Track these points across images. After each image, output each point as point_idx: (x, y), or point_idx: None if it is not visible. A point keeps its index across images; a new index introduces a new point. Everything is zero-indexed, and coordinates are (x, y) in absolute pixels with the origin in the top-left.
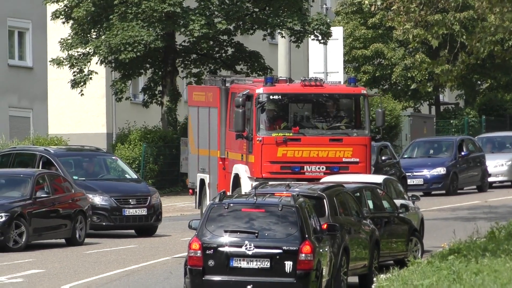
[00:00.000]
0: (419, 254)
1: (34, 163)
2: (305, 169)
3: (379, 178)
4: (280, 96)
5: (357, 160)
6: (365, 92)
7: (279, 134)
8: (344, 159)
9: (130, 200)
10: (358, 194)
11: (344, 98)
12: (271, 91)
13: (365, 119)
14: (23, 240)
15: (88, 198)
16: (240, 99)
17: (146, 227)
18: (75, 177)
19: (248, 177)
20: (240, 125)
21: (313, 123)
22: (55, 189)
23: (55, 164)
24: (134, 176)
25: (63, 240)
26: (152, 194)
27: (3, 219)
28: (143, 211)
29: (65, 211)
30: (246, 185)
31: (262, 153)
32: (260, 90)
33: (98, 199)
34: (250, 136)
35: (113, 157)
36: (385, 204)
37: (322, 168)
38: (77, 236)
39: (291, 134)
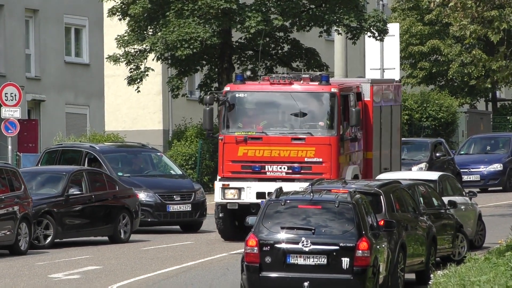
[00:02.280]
0: (465, 251)
1: (80, 160)
2: (266, 169)
3: (434, 175)
4: (246, 95)
5: (320, 160)
6: (335, 90)
7: (241, 133)
8: (306, 159)
9: (174, 196)
10: (411, 191)
11: (313, 97)
12: (238, 89)
13: (334, 118)
14: (50, 237)
15: (137, 195)
16: (208, 97)
17: (190, 223)
18: (119, 174)
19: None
20: (207, 124)
21: (279, 122)
22: (96, 186)
23: (100, 160)
24: (179, 172)
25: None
26: (197, 190)
27: None
28: (187, 207)
29: (106, 209)
30: (217, 185)
31: (224, 152)
32: (227, 88)
33: (142, 196)
34: (217, 135)
35: (158, 153)
36: (434, 201)
37: (284, 168)
38: (122, 233)
39: (254, 133)
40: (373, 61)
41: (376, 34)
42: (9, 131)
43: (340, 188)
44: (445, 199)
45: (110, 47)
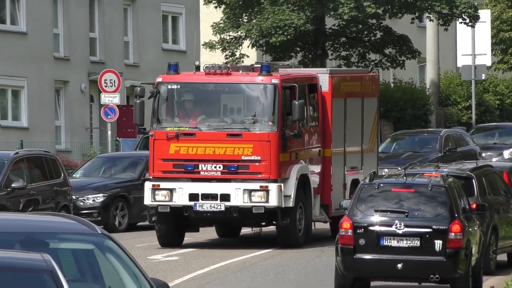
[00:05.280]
0: None
1: None
2: (199, 168)
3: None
4: (179, 86)
5: (259, 158)
6: (276, 81)
7: (173, 128)
8: (243, 157)
9: None
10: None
11: (251, 89)
12: (169, 80)
13: (275, 112)
14: (126, 220)
15: None
16: (139, 89)
17: None
18: None
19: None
20: (138, 119)
21: (214, 116)
22: None
23: None
24: None
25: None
26: None
27: (101, 199)
28: None
29: None
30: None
31: (154, 149)
32: (159, 79)
33: None
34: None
35: None
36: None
37: (219, 167)
38: None
39: (187, 128)
40: (464, 47)
41: (468, 21)
42: (109, 116)
43: (432, 172)
44: None
45: (206, 34)
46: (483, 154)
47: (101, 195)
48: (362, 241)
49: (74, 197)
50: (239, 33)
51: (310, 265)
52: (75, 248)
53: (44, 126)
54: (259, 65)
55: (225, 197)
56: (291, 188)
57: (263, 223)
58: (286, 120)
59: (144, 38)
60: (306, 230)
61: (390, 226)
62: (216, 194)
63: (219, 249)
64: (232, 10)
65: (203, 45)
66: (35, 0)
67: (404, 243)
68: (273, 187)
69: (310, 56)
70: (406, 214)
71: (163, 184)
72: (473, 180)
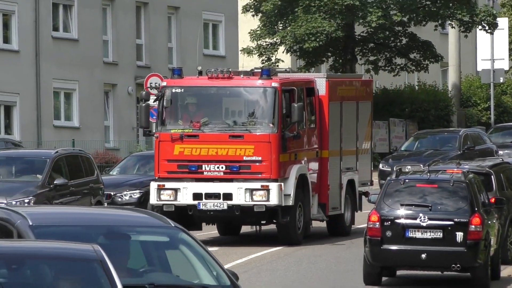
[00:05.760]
0: None
1: None
2: (203, 168)
3: None
4: (183, 90)
5: (260, 158)
6: (276, 85)
7: (177, 130)
8: (245, 158)
9: None
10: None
11: (252, 92)
12: (174, 84)
13: (275, 114)
14: None
15: None
16: (144, 93)
17: None
18: None
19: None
20: (143, 121)
21: (217, 118)
22: None
23: None
24: None
25: None
26: None
27: (138, 195)
28: None
29: None
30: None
31: (159, 150)
32: (164, 83)
33: None
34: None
35: None
36: None
37: (222, 167)
38: None
39: (191, 130)
40: (484, 52)
41: (487, 28)
42: (154, 117)
43: (454, 169)
44: None
45: (244, 40)
46: (500, 152)
47: (137, 191)
48: (388, 233)
49: (112, 193)
50: (274, 39)
51: (340, 255)
52: (152, 240)
53: (94, 126)
54: (259, 70)
55: (228, 196)
56: (290, 187)
57: (264, 221)
58: (286, 122)
59: (187, 44)
60: (305, 228)
61: (415, 219)
62: (219, 194)
63: (260, 240)
64: (268, 18)
65: (241, 50)
66: (85, 9)
67: (427, 235)
68: (273, 186)
69: (340, 60)
70: (429, 208)
71: (168, 184)
72: (492, 176)
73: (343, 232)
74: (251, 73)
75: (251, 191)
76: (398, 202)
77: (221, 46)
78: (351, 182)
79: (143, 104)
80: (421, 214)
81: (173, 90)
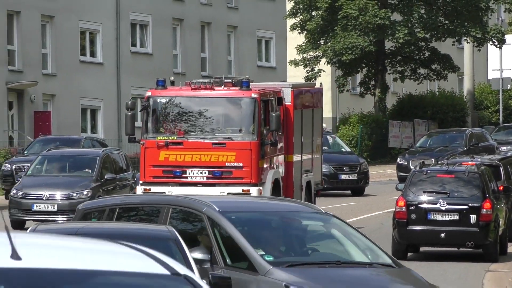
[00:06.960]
0: None
1: None
2: (187, 174)
3: None
4: (167, 100)
5: (241, 164)
6: (255, 96)
7: (162, 138)
8: (227, 164)
9: (344, 168)
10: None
11: (233, 102)
12: (159, 95)
13: (255, 123)
14: None
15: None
16: (130, 103)
17: (356, 189)
18: None
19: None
20: (129, 129)
21: (200, 127)
22: None
23: None
24: (348, 149)
25: None
26: (361, 163)
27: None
28: (354, 176)
29: None
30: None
31: (145, 157)
32: (149, 93)
33: None
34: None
35: (333, 135)
36: None
37: (205, 173)
38: None
39: (175, 138)
40: (494, 64)
41: (496, 43)
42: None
43: (469, 161)
44: None
45: (291, 54)
46: (503, 148)
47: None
48: (413, 216)
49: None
50: (317, 53)
51: (373, 234)
52: (312, 224)
53: None
54: (230, 80)
55: None
56: (267, 191)
57: None
58: (263, 130)
59: (243, 57)
60: None
61: (435, 204)
62: None
63: None
64: (312, 35)
65: (289, 62)
66: (158, 28)
67: (446, 217)
68: (254, 190)
69: (372, 71)
70: (448, 194)
71: (154, 188)
72: (501, 168)
73: None
74: (231, 83)
75: (233, 195)
76: (421, 190)
77: (272, 59)
78: (308, 183)
79: (129, 113)
80: (440, 200)
81: (158, 100)
